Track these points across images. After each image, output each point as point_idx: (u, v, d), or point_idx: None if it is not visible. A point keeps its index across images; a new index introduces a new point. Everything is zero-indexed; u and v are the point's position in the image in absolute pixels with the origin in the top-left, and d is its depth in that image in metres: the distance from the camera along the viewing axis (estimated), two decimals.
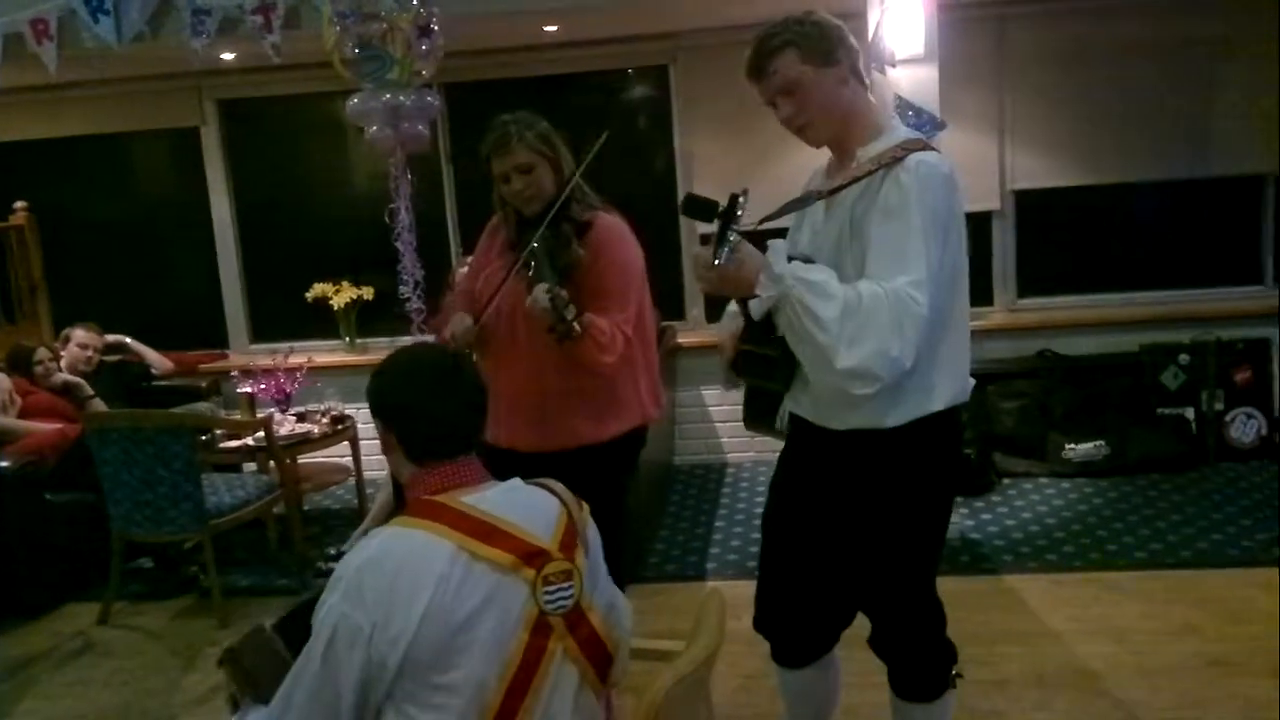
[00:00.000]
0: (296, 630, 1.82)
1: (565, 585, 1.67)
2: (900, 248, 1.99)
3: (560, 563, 1.68)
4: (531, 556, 1.65)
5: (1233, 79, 5.41)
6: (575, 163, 2.76)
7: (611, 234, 2.75)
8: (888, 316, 1.94)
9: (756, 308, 2.05)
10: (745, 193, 1.96)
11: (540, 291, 2.49)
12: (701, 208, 2.01)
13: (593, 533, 1.82)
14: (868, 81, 2.22)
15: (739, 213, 1.95)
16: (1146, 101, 5.49)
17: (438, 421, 1.73)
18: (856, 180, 2.08)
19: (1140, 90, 5.48)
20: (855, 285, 1.99)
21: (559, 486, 1.82)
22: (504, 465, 1.89)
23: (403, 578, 1.57)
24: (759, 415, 2.41)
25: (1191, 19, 5.37)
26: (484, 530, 1.64)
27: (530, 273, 2.60)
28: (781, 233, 2.37)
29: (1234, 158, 5.48)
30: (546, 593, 1.65)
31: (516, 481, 1.79)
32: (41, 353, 4.94)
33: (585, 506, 1.83)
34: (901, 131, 2.17)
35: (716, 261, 1.93)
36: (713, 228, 1.97)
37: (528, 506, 1.73)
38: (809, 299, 1.96)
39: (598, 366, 2.65)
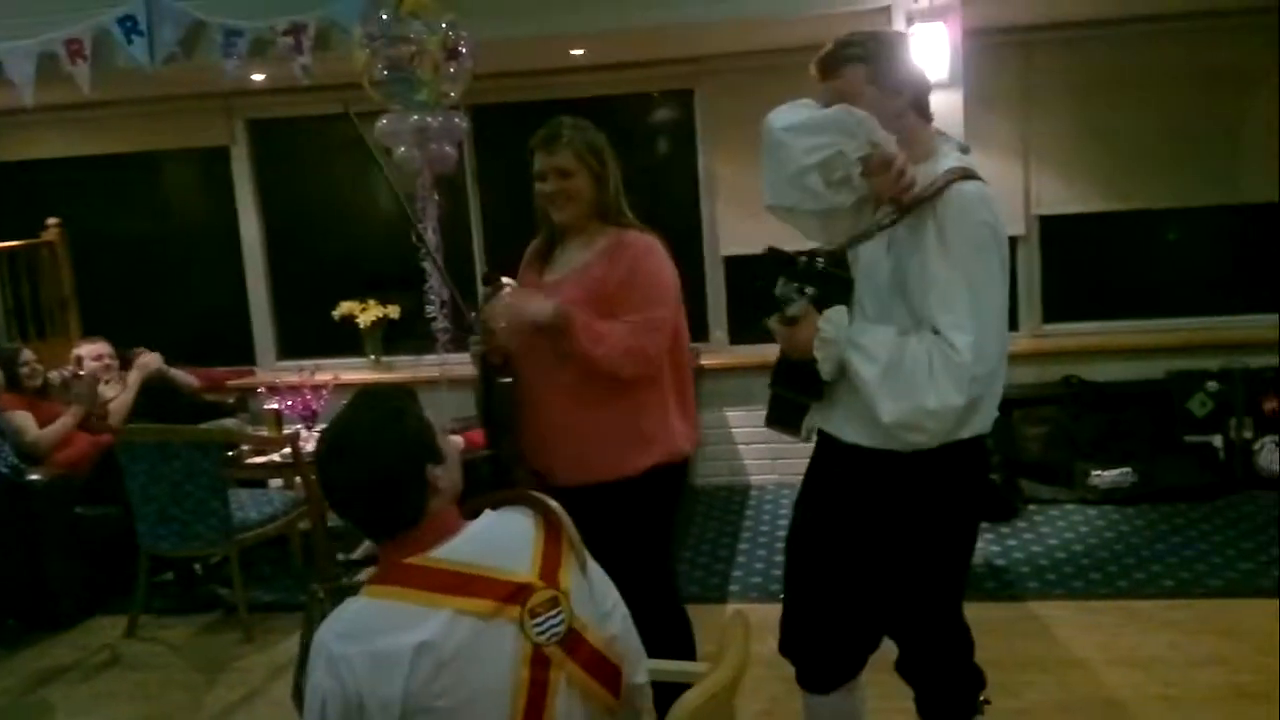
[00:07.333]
0: None
1: (554, 613, 1.64)
2: (943, 287, 2.02)
3: (544, 592, 1.64)
4: (513, 595, 1.61)
5: (1258, 106, 5.38)
6: (623, 181, 2.74)
7: (638, 247, 2.70)
8: (926, 372, 2.00)
9: (824, 372, 2.13)
10: (824, 255, 2.13)
11: None
12: (780, 263, 2.16)
13: (578, 542, 1.76)
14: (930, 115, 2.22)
15: (815, 271, 2.11)
16: (1172, 128, 5.47)
17: (361, 521, 1.68)
18: (907, 211, 2.08)
19: (1165, 116, 5.46)
20: (904, 341, 2.04)
21: (534, 500, 1.77)
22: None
23: (380, 644, 1.54)
24: (783, 416, 2.36)
25: (1217, 46, 5.34)
26: (458, 583, 1.60)
27: None
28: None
29: (1260, 184, 5.43)
30: (536, 625, 1.62)
31: (487, 515, 1.75)
32: (26, 354, 4.84)
33: (563, 512, 1.76)
34: (950, 158, 2.15)
35: (787, 312, 2.09)
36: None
37: (501, 542, 1.69)
38: (854, 360, 2.07)
39: (598, 364, 2.60)
